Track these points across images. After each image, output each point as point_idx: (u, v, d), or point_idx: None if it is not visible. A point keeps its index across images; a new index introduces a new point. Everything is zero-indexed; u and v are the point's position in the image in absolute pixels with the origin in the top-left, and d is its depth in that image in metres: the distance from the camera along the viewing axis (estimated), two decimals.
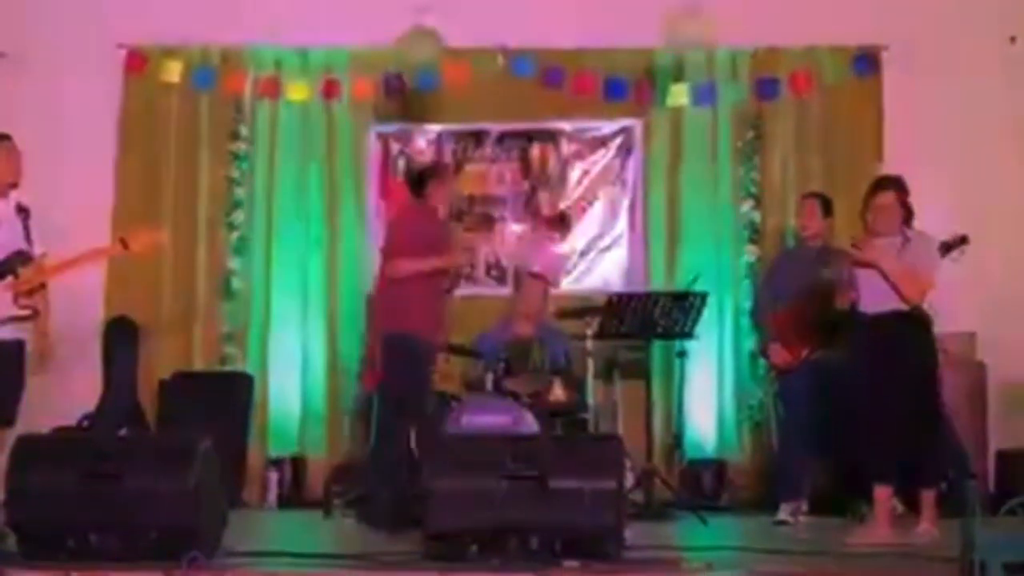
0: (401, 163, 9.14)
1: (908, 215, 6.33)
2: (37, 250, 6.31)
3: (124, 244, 6.49)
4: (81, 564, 4.62)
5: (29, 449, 5.12)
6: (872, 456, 6.16)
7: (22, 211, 6.36)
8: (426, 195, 7.16)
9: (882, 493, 6.13)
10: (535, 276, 8.57)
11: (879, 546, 5.73)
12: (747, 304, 8.51)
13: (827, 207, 7.50)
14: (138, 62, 9.01)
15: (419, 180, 7.29)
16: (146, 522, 4.98)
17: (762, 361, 8.09)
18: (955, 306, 7.75)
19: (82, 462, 5.08)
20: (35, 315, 6.28)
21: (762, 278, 8.11)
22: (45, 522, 4.98)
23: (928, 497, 6.24)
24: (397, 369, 6.92)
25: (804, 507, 7.31)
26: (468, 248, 7.38)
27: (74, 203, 8.08)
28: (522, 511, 4.96)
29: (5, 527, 5.09)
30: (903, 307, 6.14)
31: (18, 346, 6.25)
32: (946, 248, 6.46)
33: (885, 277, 6.15)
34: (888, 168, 8.01)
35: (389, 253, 7.06)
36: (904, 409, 6.06)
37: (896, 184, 6.39)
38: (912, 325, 6.17)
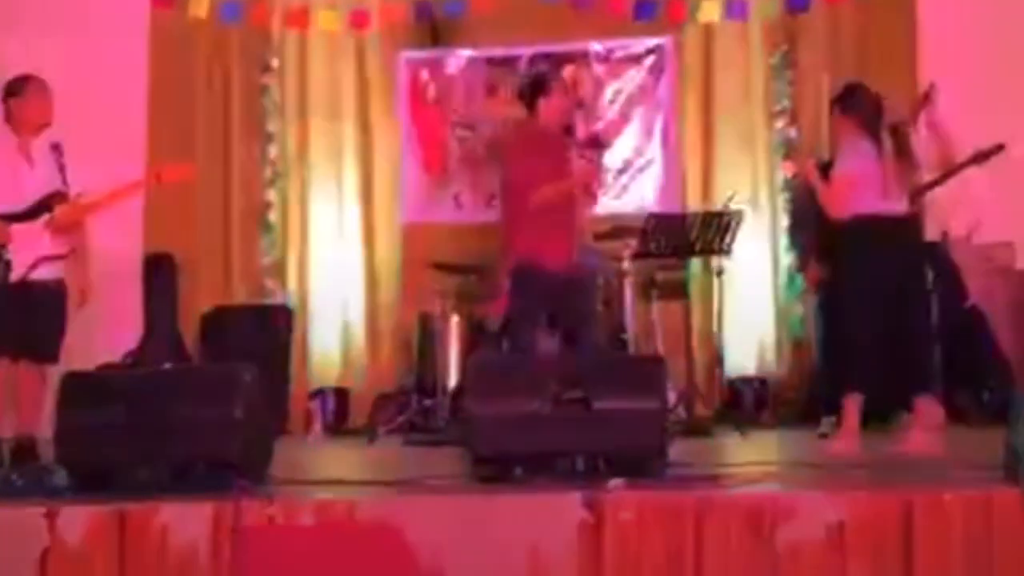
0: (432, 90, 9.11)
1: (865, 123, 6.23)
2: (72, 188, 6.34)
3: (158, 177, 6.52)
4: (131, 497, 4.66)
5: (76, 386, 5.16)
6: (843, 364, 6.15)
7: (56, 149, 6.39)
8: (536, 111, 6.81)
9: (852, 402, 6.08)
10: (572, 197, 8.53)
11: (923, 454, 5.72)
12: (783, 220, 8.47)
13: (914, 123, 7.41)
14: None
15: (525, 95, 6.91)
16: (193, 454, 5.02)
17: (801, 277, 8.07)
18: (992, 215, 7.69)
19: (129, 397, 5.11)
20: (73, 253, 6.33)
21: (798, 195, 8.05)
22: (94, 457, 5.03)
23: (923, 404, 6.16)
24: (518, 299, 6.76)
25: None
26: (591, 161, 6.98)
27: (107, 140, 8.06)
28: (566, 432, 4.98)
29: (55, 463, 5.15)
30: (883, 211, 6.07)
31: (58, 285, 6.30)
32: (983, 156, 6.40)
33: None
34: (922, 77, 7.92)
35: (507, 183, 6.81)
36: (876, 315, 6.00)
37: (839, 101, 6.35)
38: (879, 230, 6.09)
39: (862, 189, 6.00)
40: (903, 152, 6.06)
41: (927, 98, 6.22)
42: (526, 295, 6.68)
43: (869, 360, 6.01)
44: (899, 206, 6.06)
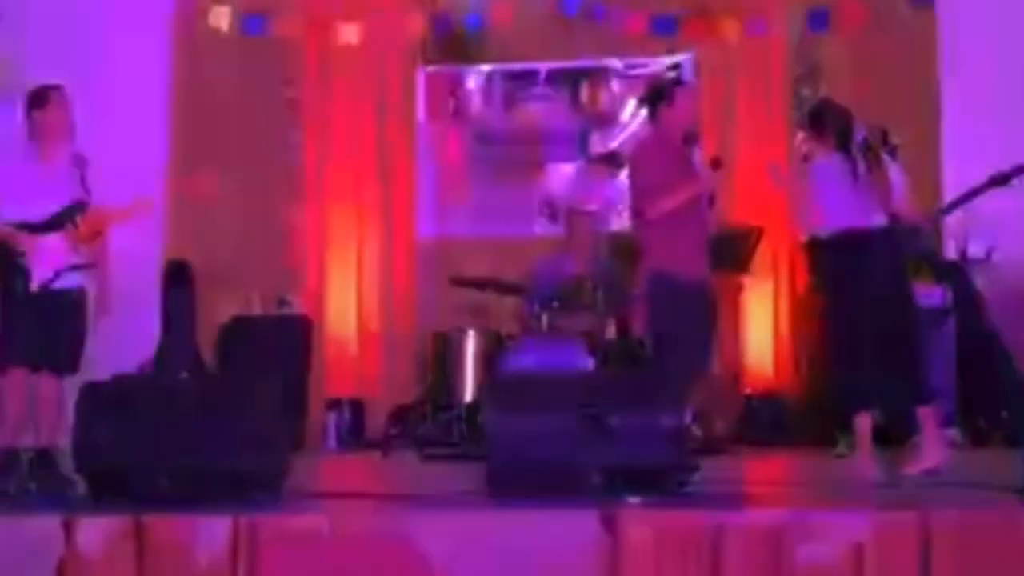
0: (451, 104, 9.14)
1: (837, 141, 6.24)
2: (94, 198, 6.37)
3: (182, 187, 6.55)
4: (149, 509, 4.66)
5: (95, 397, 5.17)
6: (846, 384, 6.12)
7: (78, 160, 6.41)
8: (659, 119, 6.72)
9: (863, 422, 6.05)
10: (588, 214, 8.55)
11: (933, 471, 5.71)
12: (803, 238, 8.47)
13: (884, 137, 7.43)
14: (187, 10, 9.03)
15: (648, 104, 6.85)
16: (211, 465, 5.03)
17: (819, 295, 8.04)
18: (1013, 235, 7.68)
19: (147, 408, 5.12)
20: (94, 263, 6.35)
21: None
22: (112, 468, 5.04)
23: (926, 415, 6.05)
24: (662, 310, 6.62)
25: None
26: (716, 163, 6.90)
27: (129, 152, 8.08)
28: (583, 449, 4.97)
29: (73, 473, 5.16)
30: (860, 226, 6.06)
31: (79, 294, 6.32)
32: (1004, 178, 6.39)
33: None
34: (945, 98, 7.94)
35: (636, 191, 6.68)
36: (867, 331, 5.98)
37: (809, 122, 6.35)
38: (858, 245, 6.08)
39: (838, 207, 6.00)
40: (875, 166, 6.06)
41: None
42: (672, 305, 6.54)
43: (870, 377, 5.98)
44: (876, 219, 6.05)
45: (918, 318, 6.33)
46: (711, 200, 6.74)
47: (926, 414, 5.97)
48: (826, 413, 7.90)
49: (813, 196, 6.12)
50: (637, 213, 6.66)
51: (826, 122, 6.22)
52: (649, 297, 6.64)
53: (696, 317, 6.56)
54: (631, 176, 6.84)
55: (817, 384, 8.37)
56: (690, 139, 6.81)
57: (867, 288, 5.97)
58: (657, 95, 6.76)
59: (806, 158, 6.49)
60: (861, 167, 6.02)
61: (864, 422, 5.99)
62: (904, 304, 6.15)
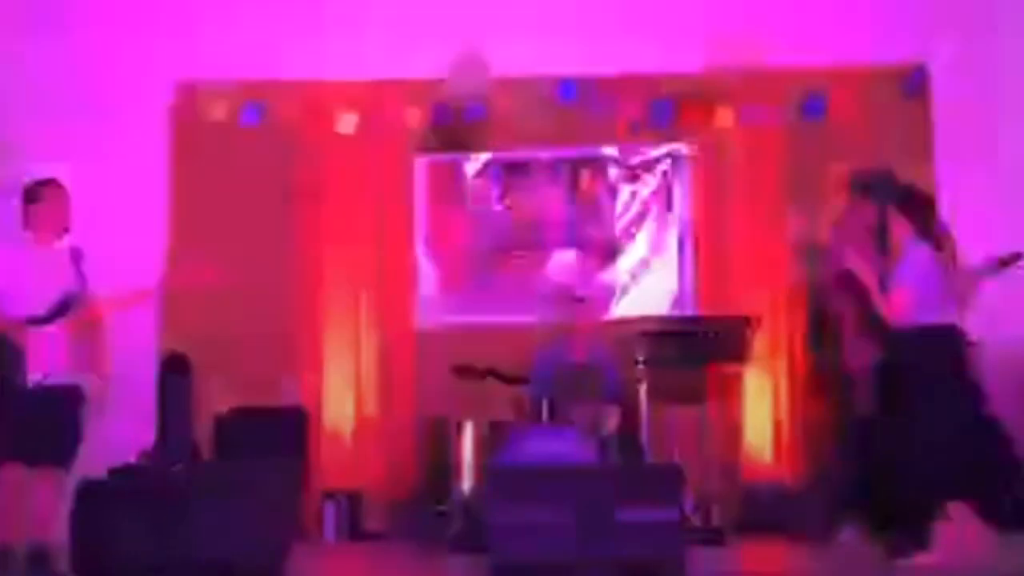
0: (450, 192, 9.18)
1: (923, 227, 6.21)
2: (90, 291, 6.36)
3: (177, 281, 6.55)
4: None
5: (91, 494, 5.16)
6: (922, 479, 6.06)
7: (75, 254, 6.42)
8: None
9: (950, 511, 6.00)
10: (586, 302, 8.55)
11: (940, 567, 5.66)
12: (801, 324, 8.45)
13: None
14: (186, 100, 9.08)
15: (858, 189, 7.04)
16: (210, 558, 5.00)
17: (818, 382, 8.04)
18: (1013, 318, 7.67)
19: (142, 501, 5.10)
20: (90, 357, 6.33)
21: (818, 299, 8.03)
22: (110, 565, 5.00)
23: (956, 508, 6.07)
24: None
25: (864, 530, 7.23)
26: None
27: (126, 243, 8.09)
28: (585, 542, 4.95)
29: (69, 572, 5.12)
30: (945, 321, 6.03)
31: (75, 391, 6.29)
32: (1002, 263, 6.41)
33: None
34: (941, 181, 7.99)
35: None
36: (948, 426, 5.95)
37: (901, 201, 6.34)
38: (943, 342, 6.05)
39: (924, 297, 5.98)
40: (952, 259, 6.06)
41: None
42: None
43: (953, 472, 5.93)
44: (954, 315, 6.04)
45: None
46: None
47: (956, 507, 5.95)
48: (831, 499, 7.88)
49: (904, 285, 6.08)
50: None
51: (915, 207, 6.20)
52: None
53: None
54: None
55: (822, 471, 8.35)
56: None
57: (955, 386, 5.95)
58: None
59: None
60: (946, 259, 6.02)
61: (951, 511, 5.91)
62: (979, 394, 6.12)
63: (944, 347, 6.03)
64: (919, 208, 6.25)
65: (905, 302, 6.03)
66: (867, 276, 6.19)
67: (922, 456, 5.97)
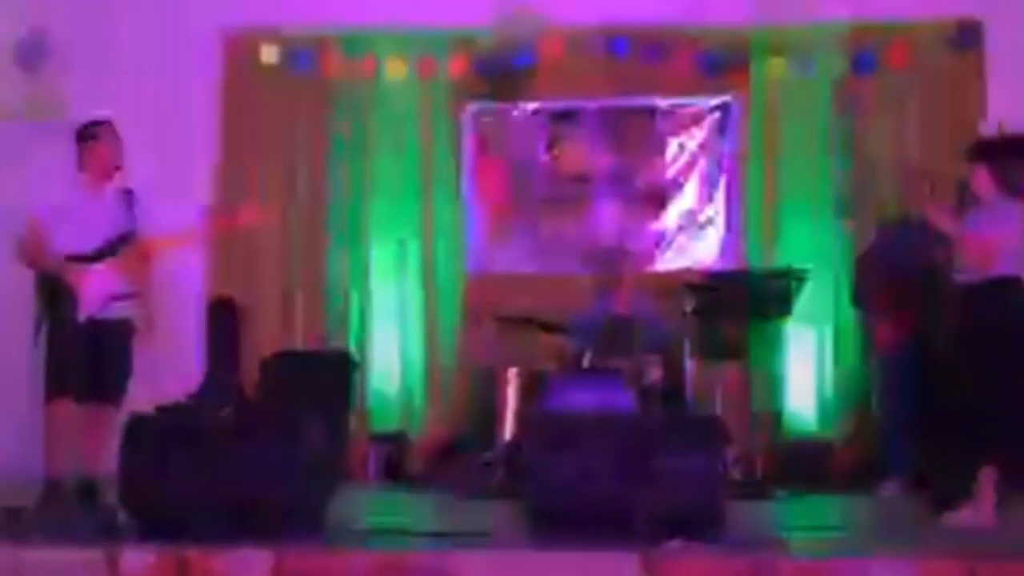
0: (497, 142, 9.18)
1: (1008, 183, 6.13)
2: (142, 230, 6.44)
3: (226, 220, 6.61)
4: (191, 541, 4.69)
5: (140, 430, 5.22)
6: (978, 436, 6.02)
7: (127, 193, 6.50)
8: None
9: (988, 474, 5.98)
10: (631, 253, 8.56)
11: (979, 527, 5.66)
12: (847, 280, 8.43)
13: (933, 183, 7.41)
14: (237, 46, 9.12)
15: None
16: (254, 500, 5.05)
17: (864, 338, 8.03)
18: None
19: (191, 442, 5.16)
20: (140, 293, 6.42)
21: (865, 254, 8.01)
22: (156, 501, 5.07)
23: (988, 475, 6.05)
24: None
25: (905, 485, 7.23)
26: None
27: (176, 185, 8.15)
28: (623, 490, 4.97)
29: (118, 506, 5.20)
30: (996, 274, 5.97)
31: (126, 325, 6.40)
32: None
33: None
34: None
35: None
36: (1004, 383, 5.90)
37: (989, 153, 6.24)
38: (1003, 294, 5.99)
39: (1001, 252, 5.92)
40: None
41: None
42: None
43: (1004, 430, 5.89)
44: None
45: None
46: None
47: (988, 473, 5.92)
48: (872, 455, 7.87)
49: (982, 237, 5.96)
50: None
51: (1007, 162, 6.11)
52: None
53: None
54: None
55: (864, 426, 8.35)
56: None
57: (1016, 343, 5.89)
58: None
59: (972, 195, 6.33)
60: None
61: (990, 474, 5.91)
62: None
63: (1017, 300, 5.96)
64: (1010, 164, 6.15)
65: (976, 254, 5.96)
66: (951, 227, 6.09)
67: (983, 408, 5.93)
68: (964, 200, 6.46)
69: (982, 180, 6.11)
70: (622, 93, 9.04)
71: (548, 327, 8.01)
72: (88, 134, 6.50)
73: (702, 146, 9.05)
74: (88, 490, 6.16)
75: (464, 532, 5.36)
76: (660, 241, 9.01)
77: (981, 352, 5.93)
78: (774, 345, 8.28)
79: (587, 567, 4.50)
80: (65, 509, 5.89)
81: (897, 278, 7.26)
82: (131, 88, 8.64)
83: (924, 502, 6.42)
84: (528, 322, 8.04)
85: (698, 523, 4.95)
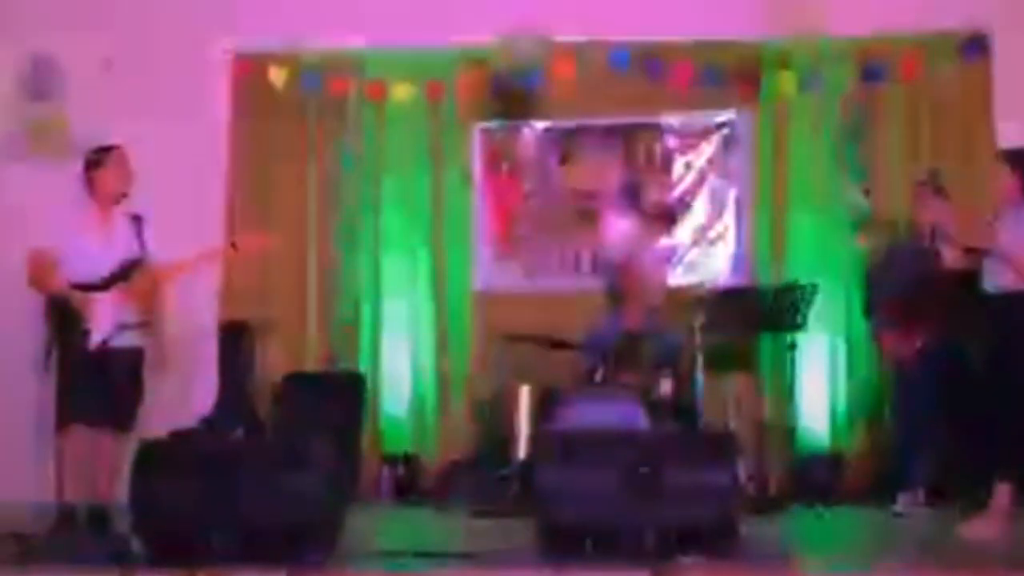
0: (505, 165, 9.20)
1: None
2: (150, 256, 6.46)
3: (234, 246, 6.62)
4: (204, 566, 4.70)
5: (151, 455, 5.23)
6: (996, 448, 6.00)
7: (135, 219, 6.52)
8: None
9: (1004, 487, 5.95)
10: (641, 269, 8.54)
11: (993, 540, 5.63)
12: (858, 293, 8.42)
13: (941, 192, 7.41)
14: (245, 68, 9.14)
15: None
16: (266, 523, 5.06)
17: (875, 350, 8.01)
18: None
19: (202, 466, 5.17)
20: (151, 321, 6.43)
21: (875, 266, 8.00)
22: (168, 526, 5.08)
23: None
24: None
25: (921, 498, 7.21)
26: None
27: (186, 208, 8.14)
28: (636, 507, 4.97)
29: (130, 532, 5.20)
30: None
31: (136, 353, 6.41)
32: None
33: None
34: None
35: None
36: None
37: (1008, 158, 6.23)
38: None
39: None
40: None
41: None
42: None
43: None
44: None
45: None
46: None
47: (1005, 487, 5.89)
48: (886, 469, 7.85)
49: (1014, 247, 5.96)
50: None
51: None
52: None
53: None
54: None
55: (877, 440, 8.32)
56: None
57: None
58: None
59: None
60: None
61: (1006, 490, 5.87)
62: None
63: None
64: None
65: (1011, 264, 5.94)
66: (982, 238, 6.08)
67: (1009, 419, 5.90)
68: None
69: (1013, 188, 6.10)
70: (630, 110, 9.04)
71: (558, 344, 8.00)
72: (94, 161, 6.52)
73: (710, 161, 9.04)
74: (100, 516, 6.16)
75: (477, 552, 5.35)
76: (671, 256, 9.00)
77: (1014, 362, 5.91)
78: (786, 359, 8.24)
79: None
80: (77, 535, 5.89)
81: (910, 289, 7.25)
82: (141, 111, 8.64)
83: (941, 515, 6.40)
84: (538, 339, 8.03)
85: (711, 539, 4.94)
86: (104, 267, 6.31)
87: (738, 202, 8.98)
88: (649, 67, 8.91)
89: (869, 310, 7.86)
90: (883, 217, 8.62)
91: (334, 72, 9.15)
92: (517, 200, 9.20)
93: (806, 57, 8.88)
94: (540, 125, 9.19)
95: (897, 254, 7.64)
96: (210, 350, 8.62)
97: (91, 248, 6.33)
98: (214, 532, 5.04)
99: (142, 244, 6.45)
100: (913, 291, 7.20)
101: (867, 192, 8.68)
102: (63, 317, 6.15)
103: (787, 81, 8.89)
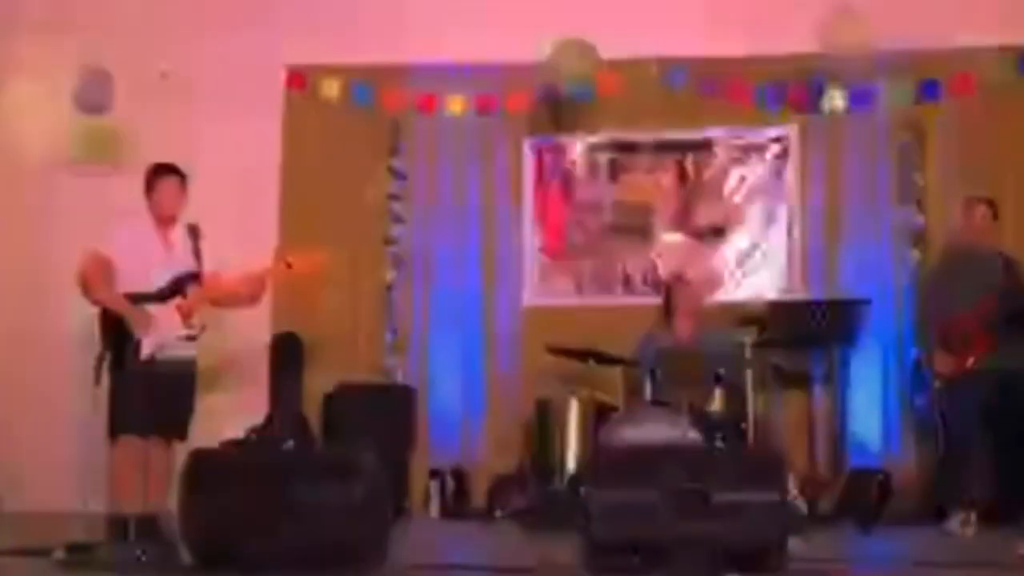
0: (555, 174, 9.20)
1: None
2: (206, 268, 6.50)
3: (288, 265, 6.64)
4: None
5: (201, 465, 5.26)
6: None
7: (192, 231, 6.56)
8: None
9: None
10: (693, 285, 8.52)
11: None
12: (910, 310, 8.36)
13: (994, 210, 7.36)
14: (299, 81, 9.22)
15: None
16: (314, 535, 5.07)
17: (928, 367, 7.96)
18: None
19: (251, 477, 5.19)
20: (203, 333, 6.47)
21: (928, 283, 7.93)
22: (216, 536, 5.10)
23: None
24: None
25: (973, 517, 7.14)
26: None
27: (240, 222, 8.21)
28: (685, 524, 4.94)
29: (179, 540, 5.24)
30: None
31: (189, 364, 6.45)
32: None
33: None
34: None
35: None
36: None
37: None
38: None
39: None
40: None
41: None
42: None
43: None
44: None
45: None
46: None
47: None
48: (937, 487, 7.78)
49: None
50: None
51: None
52: None
53: None
54: None
55: (928, 458, 8.26)
56: None
57: None
58: None
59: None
60: None
61: None
62: None
63: None
64: None
65: None
66: None
67: None
68: None
69: None
70: (682, 125, 9.03)
71: (607, 359, 7.98)
72: (149, 183, 6.56)
73: (763, 177, 9.02)
74: (151, 526, 6.21)
75: (524, 566, 5.35)
76: (722, 272, 8.97)
77: None
78: (837, 375, 8.19)
79: None
80: (129, 545, 5.94)
81: (964, 306, 7.19)
82: (197, 125, 8.72)
83: (992, 535, 6.35)
84: (587, 354, 8.02)
85: (760, 556, 4.92)
86: (160, 279, 6.35)
87: (790, 217, 8.94)
88: (702, 83, 8.90)
89: (920, 329, 7.79)
90: (936, 234, 8.57)
91: (386, 85, 9.19)
92: (567, 214, 9.21)
93: (859, 73, 8.82)
94: (591, 140, 9.19)
95: (956, 272, 7.56)
96: (261, 362, 8.68)
97: (148, 260, 6.38)
98: (262, 543, 5.05)
99: (198, 256, 6.49)
100: (971, 310, 7.14)
101: (919, 207, 8.63)
102: (117, 328, 6.21)
103: (839, 97, 8.84)
